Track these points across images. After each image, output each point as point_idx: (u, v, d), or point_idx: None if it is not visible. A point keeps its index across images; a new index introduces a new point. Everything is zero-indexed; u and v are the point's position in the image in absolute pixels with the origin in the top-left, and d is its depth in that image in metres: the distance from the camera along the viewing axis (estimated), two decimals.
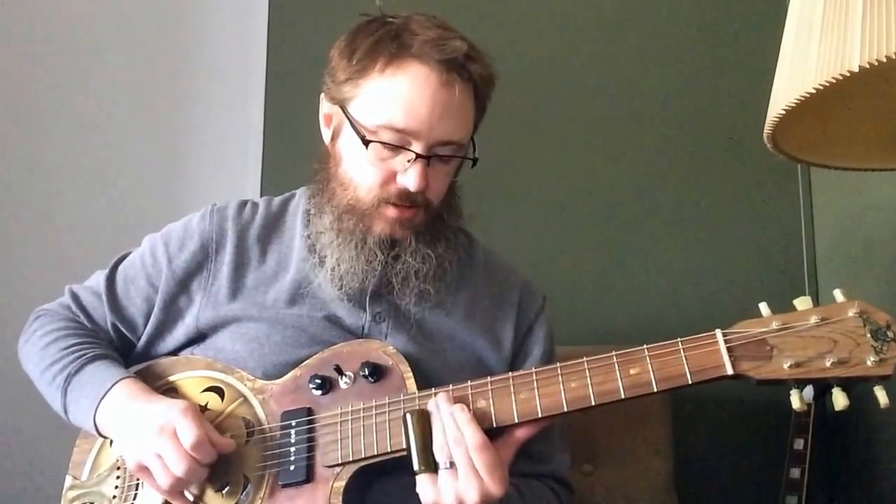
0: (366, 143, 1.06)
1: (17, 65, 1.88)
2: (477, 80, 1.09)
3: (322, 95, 1.16)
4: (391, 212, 1.09)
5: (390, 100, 1.05)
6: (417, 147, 1.06)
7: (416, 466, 0.95)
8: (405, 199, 1.08)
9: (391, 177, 1.08)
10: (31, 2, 1.91)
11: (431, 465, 0.95)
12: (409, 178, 1.06)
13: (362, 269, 1.10)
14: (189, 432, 0.97)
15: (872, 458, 1.67)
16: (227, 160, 1.97)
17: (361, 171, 1.09)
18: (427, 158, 1.06)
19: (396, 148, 1.06)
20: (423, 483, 0.94)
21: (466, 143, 1.12)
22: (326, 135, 1.17)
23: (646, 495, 1.51)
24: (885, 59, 0.93)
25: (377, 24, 1.10)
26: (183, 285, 1.16)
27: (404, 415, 0.98)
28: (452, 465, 0.93)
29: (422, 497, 0.95)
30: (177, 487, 0.99)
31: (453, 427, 0.95)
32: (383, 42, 1.07)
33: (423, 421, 0.96)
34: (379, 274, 1.11)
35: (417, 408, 0.98)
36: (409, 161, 1.06)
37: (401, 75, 1.05)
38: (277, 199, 1.25)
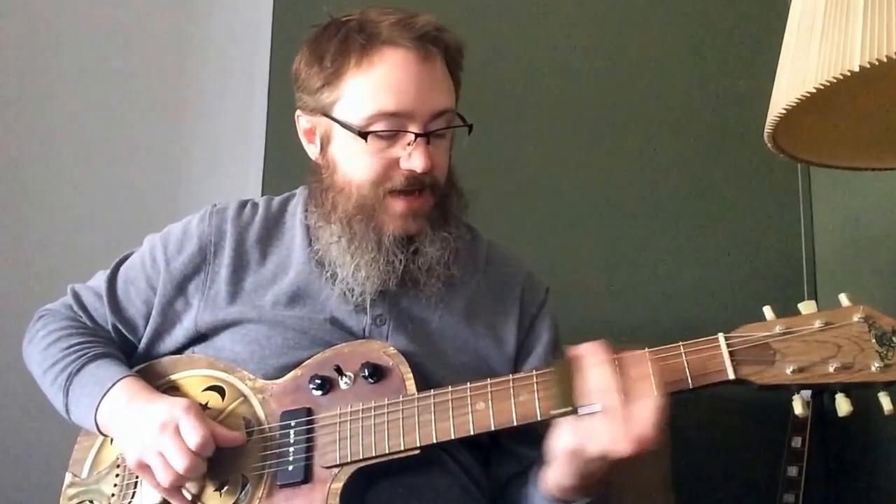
0: (364, 135, 1.05)
1: (19, 65, 1.88)
2: (451, 49, 1.10)
3: (297, 113, 1.16)
4: (399, 205, 1.07)
5: (375, 89, 1.05)
6: (414, 127, 1.05)
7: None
8: (412, 184, 1.07)
9: (393, 164, 1.07)
10: (33, 2, 1.91)
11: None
12: (415, 160, 1.05)
13: (383, 270, 1.08)
14: (194, 432, 0.97)
15: (870, 455, 1.68)
16: (228, 159, 1.97)
17: (360, 168, 1.07)
18: (426, 136, 1.06)
19: (394, 134, 1.05)
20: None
21: (455, 112, 1.11)
22: (312, 150, 1.17)
23: (646, 495, 1.51)
24: (885, 59, 0.93)
25: (335, 26, 1.10)
26: (180, 288, 1.16)
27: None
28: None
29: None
30: (177, 484, 0.99)
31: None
32: (350, 38, 1.06)
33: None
34: (400, 273, 1.09)
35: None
36: (409, 144, 1.05)
37: (379, 64, 1.05)
38: (277, 200, 1.24)
